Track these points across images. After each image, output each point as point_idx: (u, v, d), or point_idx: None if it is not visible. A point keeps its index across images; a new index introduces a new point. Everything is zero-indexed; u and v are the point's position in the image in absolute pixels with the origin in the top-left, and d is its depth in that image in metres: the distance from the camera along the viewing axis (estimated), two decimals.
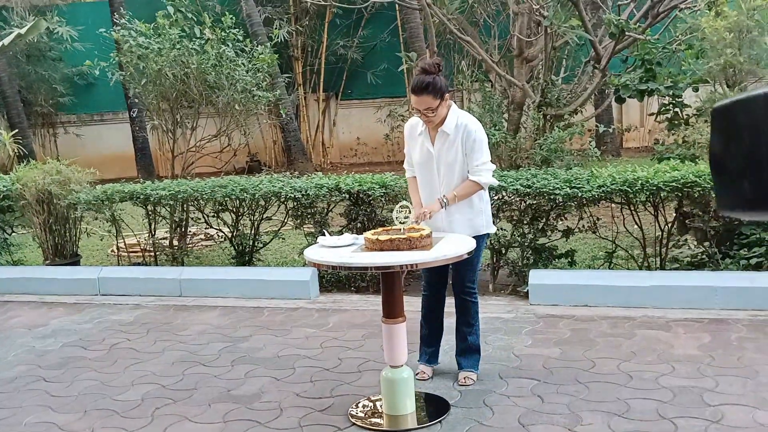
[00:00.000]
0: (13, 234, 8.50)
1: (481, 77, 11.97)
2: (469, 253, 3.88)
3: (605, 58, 8.39)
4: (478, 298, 4.50)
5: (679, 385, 4.19)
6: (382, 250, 3.81)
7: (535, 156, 8.41)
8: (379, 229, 4.10)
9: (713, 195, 5.43)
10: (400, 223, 4.00)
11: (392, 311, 3.94)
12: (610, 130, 11.59)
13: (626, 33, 7.71)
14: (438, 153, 4.24)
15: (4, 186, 7.88)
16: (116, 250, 8.20)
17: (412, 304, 4.85)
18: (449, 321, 4.60)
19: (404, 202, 4.14)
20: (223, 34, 8.78)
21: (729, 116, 1.27)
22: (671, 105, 7.73)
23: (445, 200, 4.17)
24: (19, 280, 7.49)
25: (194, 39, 8.75)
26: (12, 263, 8.25)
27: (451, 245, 3.92)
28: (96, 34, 12.81)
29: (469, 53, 12.36)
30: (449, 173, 4.24)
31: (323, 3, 11.19)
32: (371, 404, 4.20)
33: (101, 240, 8.57)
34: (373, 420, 4.02)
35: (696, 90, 7.66)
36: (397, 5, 13.11)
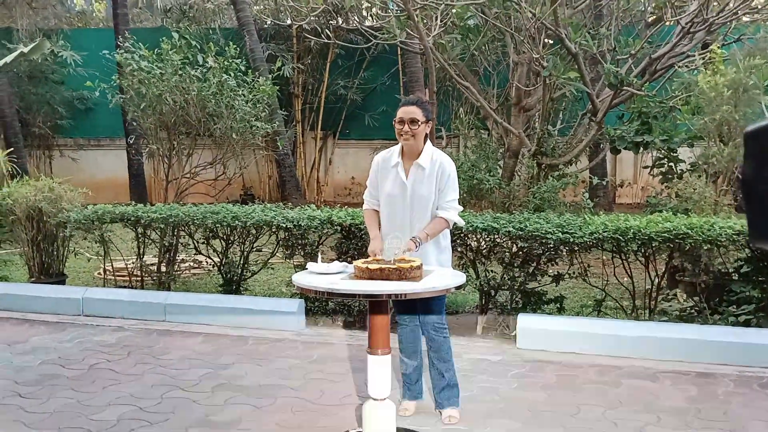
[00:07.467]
0: (0, 251, 8.42)
1: (478, 124, 12.06)
2: (457, 288, 3.85)
3: (602, 111, 8.49)
4: (449, 334, 4.44)
5: None
6: (371, 278, 3.76)
7: (528, 204, 8.44)
8: (370, 258, 4.06)
9: (709, 246, 5.43)
10: (392, 253, 3.97)
11: (377, 342, 3.88)
12: (604, 183, 11.64)
13: (624, 86, 7.81)
14: (412, 186, 4.25)
15: None
16: (103, 273, 8.11)
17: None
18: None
19: (396, 233, 4.12)
20: (225, 63, 8.84)
21: (763, 139, 1.14)
22: (666, 159, 7.80)
23: (419, 240, 4.13)
24: (3, 297, 7.38)
25: (197, 66, 8.81)
26: None
27: (440, 278, 3.89)
28: (99, 60, 12.92)
29: (468, 100, 12.48)
30: (422, 208, 4.25)
31: (326, 42, 11.29)
32: None
33: (88, 261, 8.49)
34: None
35: (691, 146, 7.72)
36: (399, 49, 13.26)
